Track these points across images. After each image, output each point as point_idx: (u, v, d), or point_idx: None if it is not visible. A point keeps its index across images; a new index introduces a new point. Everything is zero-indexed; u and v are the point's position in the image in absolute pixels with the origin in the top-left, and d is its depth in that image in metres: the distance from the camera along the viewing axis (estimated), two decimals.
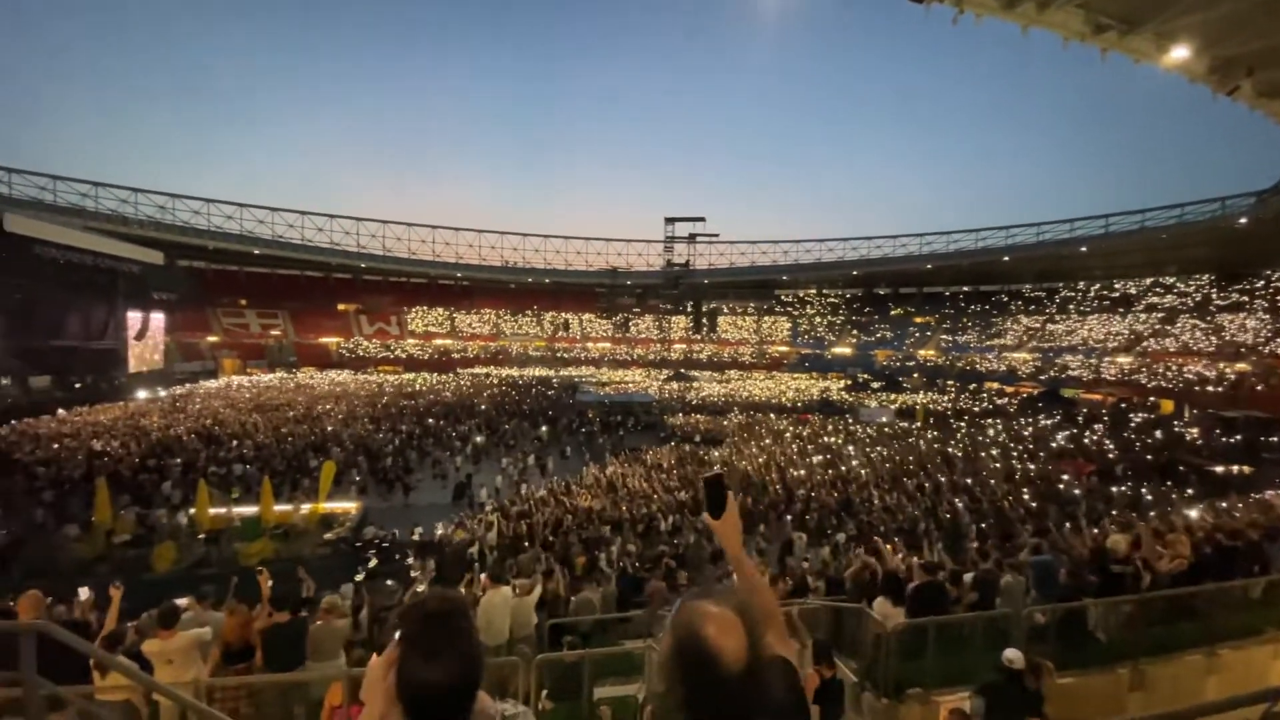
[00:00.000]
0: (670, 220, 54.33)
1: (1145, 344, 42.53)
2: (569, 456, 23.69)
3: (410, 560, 11.91)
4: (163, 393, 33.92)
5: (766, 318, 68.43)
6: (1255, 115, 13.80)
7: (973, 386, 44.55)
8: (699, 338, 65.53)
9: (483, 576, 7.71)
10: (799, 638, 4.66)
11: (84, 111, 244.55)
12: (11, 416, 23.61)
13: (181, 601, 5.71)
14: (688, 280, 58.51)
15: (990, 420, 30.12)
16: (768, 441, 24.45)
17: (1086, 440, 24.88)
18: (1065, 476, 18.35)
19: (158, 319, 39.34)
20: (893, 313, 63.31)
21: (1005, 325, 54.16)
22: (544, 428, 27.58)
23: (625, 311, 67.56)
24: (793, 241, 65.20)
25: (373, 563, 11.99)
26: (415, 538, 13.39)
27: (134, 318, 35.37)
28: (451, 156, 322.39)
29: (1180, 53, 11.25)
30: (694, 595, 1.03)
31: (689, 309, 64.59)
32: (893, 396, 41.12)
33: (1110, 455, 22.04)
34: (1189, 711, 1.97)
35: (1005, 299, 57.82)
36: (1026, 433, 26.75)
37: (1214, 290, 43.15)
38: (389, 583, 10.21)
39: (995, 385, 45.09)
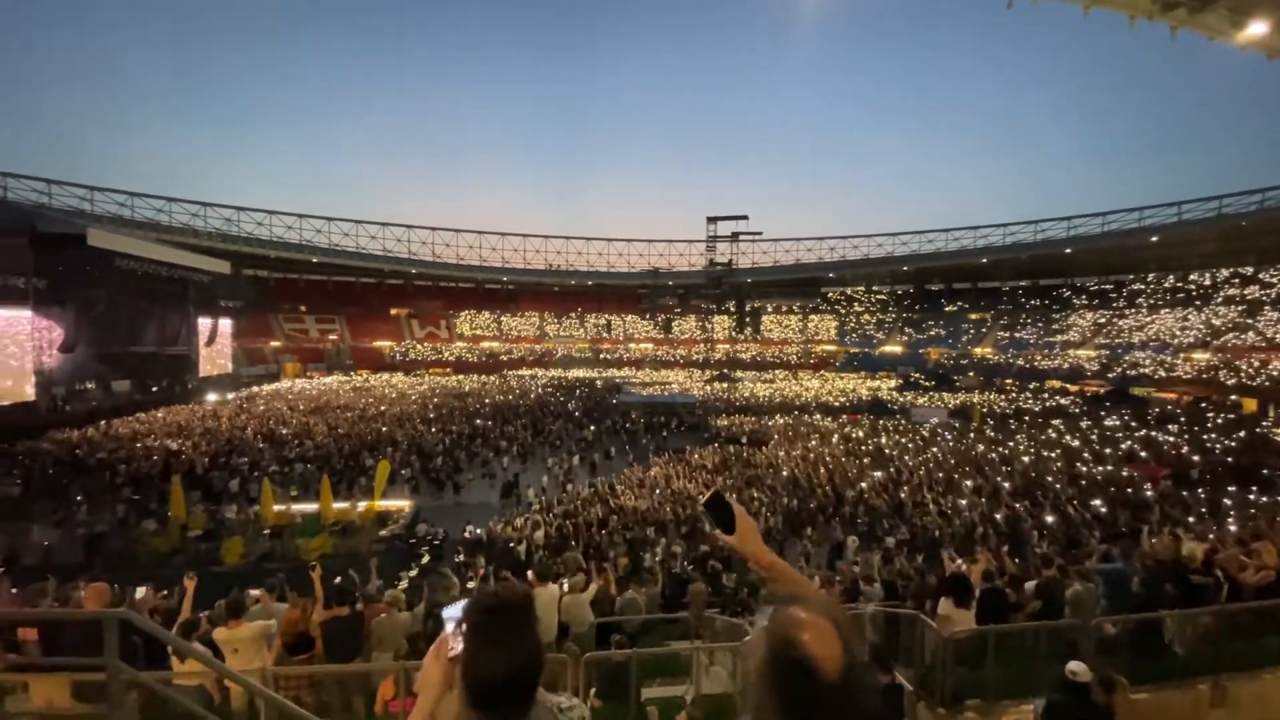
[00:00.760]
0: (712, 219, 53.73)
1: (1224, 339, 39.83)
2: (613, 457, 23.82)
3: (460, 558, 12.20)
4: (230, 395, 35.83)
5: (812, 316, 67.24)
6: None
7: (1033, 385, 42.58)
8: (742, 337, 64.88)
9: (530, 574, 7.82)
10: None
11: (158, 130, 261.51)
12: (97, 418, 25.36)
13: (254, 593, 6.01)
14: (731, 279, 57.81)
15: (1053, 420, 28.74)
16: (814, 443, 23.99)
17: (1160, 441, 23.44)
18: (1136, 480, 17.34)
19: (225, 325, 41.55)
20: (946, 309, 61.29)
21: (1068, 320, 51.66)
22: (590, 428, 27.83)
23: (667, 312, 67.45)
24: (839, 237, 64.07)
25: (425, 559, 12.34)
26: (465, 535, 13.72)
27: (204, 324, 37.50)
28: (494, 160, 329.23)
29: (1258, 28, 10.43)
30: (785, 603, 1.02)
31: (732, 308, 63.97)
32: (946, 396, 39.74)
33: (1186, 458, 20.69)
34: None
35: (1068, 293, 55.17)
36: (1093, 434, 25.40)
37: None
38: (443, 578, 10.48)
39: (1057, 384, 42.98)
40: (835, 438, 25.16)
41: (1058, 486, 16.52)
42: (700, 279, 60.25)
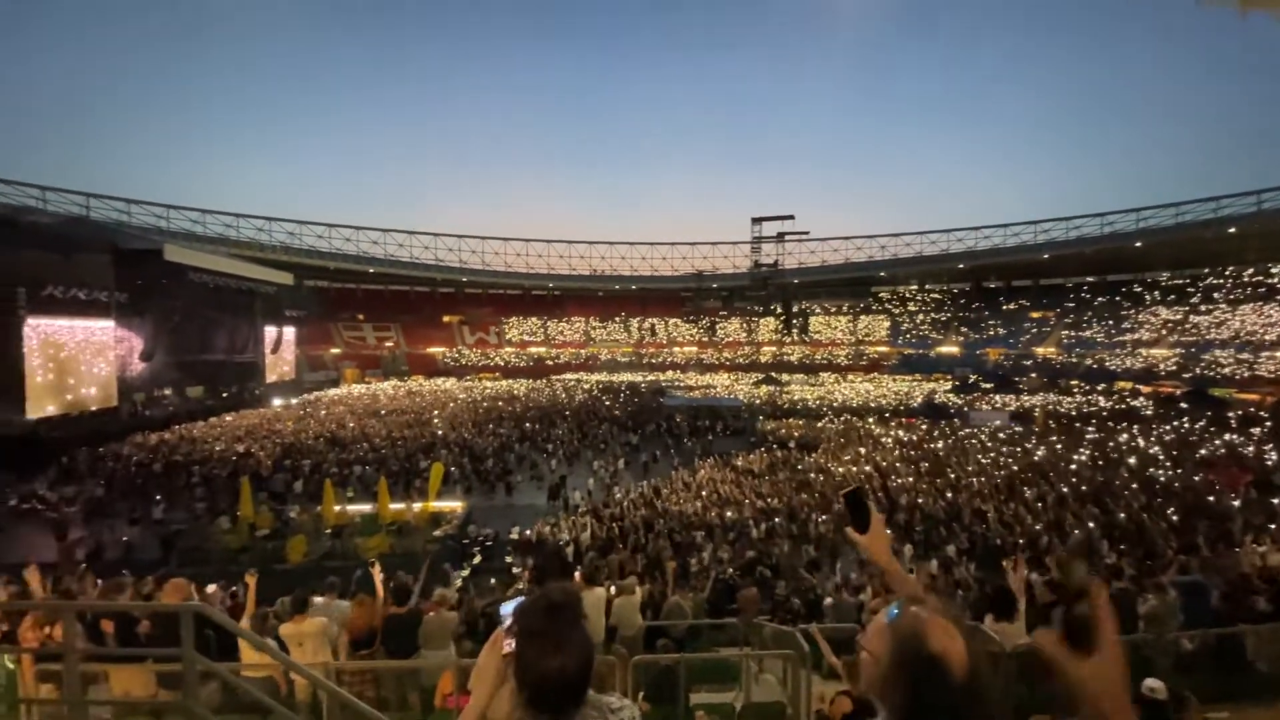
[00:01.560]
0: (757, 220, 53.11)
1: None
2: (658, 460, 23.81)
3: (510, 558, 12.44)
4: (294, 400, 37.62)
5: (863, 317, 65.48)
6: None
7: (1101, 386, 40.27)
8: (789, 339, 63.82)
9: (576, 576, 7.90)
10: None
11: (223, 151, 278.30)
12: (173, 423, 27.04)
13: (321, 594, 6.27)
14: (776, 280, 56.93)
15: (1123, 423, 27.15)
16: (866, 448, 23.34)
17: (1242, 446, 21.81)
18: (1217, 487, 16.18)
19: (289, 334, 43.77)
20: (1005, 307, 58.64)
21: (1139, 318, 48.72)
22: (635, 432, 27.91)
23: (711, 315, 66.99)
24: (890, 235, 62.11)
25: (477, 558, 12.63)
26: (514, 536, 13.97)
27: (270, 333, 39.62)
28: (542, 169, 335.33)
29: None
30: (906, 604, 1.03)
31: (778, 310, 62.98)
32: (1007, 398, 38.02)
33: (1273, 463, 19.19)
34: None
35: (1138, 289, 51.94)
36: (1168, 438, 23.86)
37: None
38: (491, 581, 10.70)
39: (1128, 385, 40.54)
40: (889, 441, 24.45)
41: (1128, 493, 15.59)
42: (745, 280, 59.62)
